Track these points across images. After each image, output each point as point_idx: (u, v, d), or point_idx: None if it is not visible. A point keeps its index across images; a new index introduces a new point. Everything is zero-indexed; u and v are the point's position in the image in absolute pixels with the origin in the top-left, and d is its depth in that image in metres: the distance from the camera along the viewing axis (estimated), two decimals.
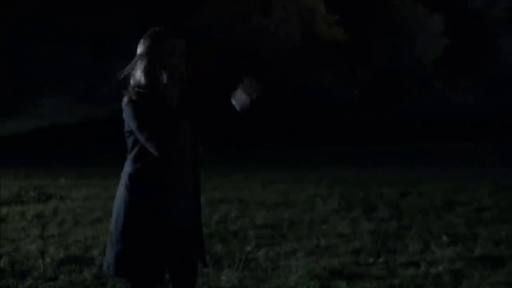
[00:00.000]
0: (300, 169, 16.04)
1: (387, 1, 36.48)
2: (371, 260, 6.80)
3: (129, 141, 3.63)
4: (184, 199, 3.66)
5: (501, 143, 25.45)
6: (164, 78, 3.59)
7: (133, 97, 3.52)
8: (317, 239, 7.80)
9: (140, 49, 3.65)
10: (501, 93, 36.42)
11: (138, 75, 3.61)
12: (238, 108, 3.63)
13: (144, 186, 3.56)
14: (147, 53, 3.61)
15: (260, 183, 13.47)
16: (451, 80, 37.40)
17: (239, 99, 3.63)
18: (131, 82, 3.64)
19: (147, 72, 3.58)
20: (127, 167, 3.63)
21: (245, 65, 29.67)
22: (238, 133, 4.00)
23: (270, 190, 12.47)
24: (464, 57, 37.67)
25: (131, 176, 3.58)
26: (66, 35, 30.51)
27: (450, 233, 8.13)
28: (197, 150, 3.73)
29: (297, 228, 8.61)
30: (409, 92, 36.08)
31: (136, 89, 3.56)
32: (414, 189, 12.03)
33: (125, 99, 3.56)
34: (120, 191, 3.62)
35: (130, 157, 3.63)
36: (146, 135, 3.48)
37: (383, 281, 6.02)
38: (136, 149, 3.59)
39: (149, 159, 3.53)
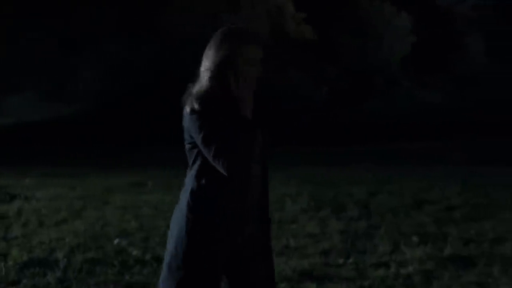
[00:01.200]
0: (269, 168, 15.94)
1: (355, 0, 36.61)
2: (340, 261, 6.73)
3: (191, 154, 3.19)
4: (252, 219, 3.26)
5: (469, 141, 25.64)
6: (237, 86, 3.16)
7: (198, 107, 3.06)
8: (286, 239, 7.72)
9: (209, 52, 3.20)
10: (469, 91, 36.76)
11: (205, 81, 3.16)
12: None
13: (209, 200, 3.13)
14: (218, 56, 3.16)
15: None
16: (419, 78, 37.66)
17: None
18: (196, 88, 3.17)
19: (216, 78, 3.14)
20: (189, 184, 3.19)
21: None
22: None
23: None
24: (432, 55, 37.98)
25: (193, 193, 3.14)
26: (34, 33, 30.16)
27: (420, 232, 8.11)
28: (267, 162, 3.35)
29: None
30: (377, 91, 36.22)
31: (203, 96, 3.10)
32: (383, 188, 12.01)
33: (189, 107, 3.11)
34: (180, 211, 3.20)
35: (192, 173, 3.19)
36: (213, 150, 3.02)
37: (353, 283, 5.96)
38: (198, 163, 3.15)
39: (215, 175, 3.09)
